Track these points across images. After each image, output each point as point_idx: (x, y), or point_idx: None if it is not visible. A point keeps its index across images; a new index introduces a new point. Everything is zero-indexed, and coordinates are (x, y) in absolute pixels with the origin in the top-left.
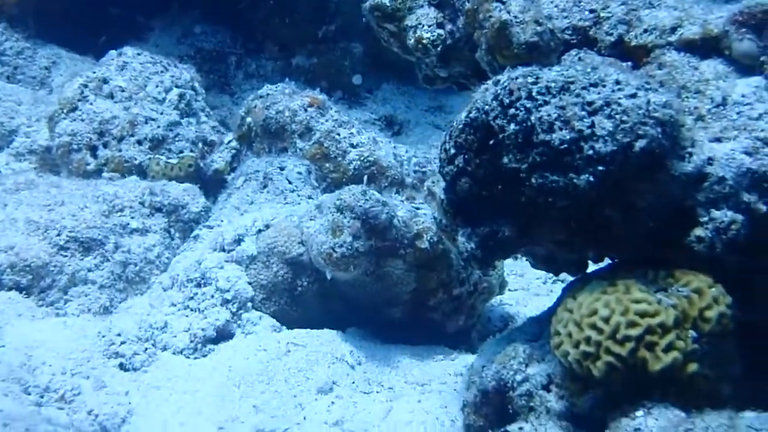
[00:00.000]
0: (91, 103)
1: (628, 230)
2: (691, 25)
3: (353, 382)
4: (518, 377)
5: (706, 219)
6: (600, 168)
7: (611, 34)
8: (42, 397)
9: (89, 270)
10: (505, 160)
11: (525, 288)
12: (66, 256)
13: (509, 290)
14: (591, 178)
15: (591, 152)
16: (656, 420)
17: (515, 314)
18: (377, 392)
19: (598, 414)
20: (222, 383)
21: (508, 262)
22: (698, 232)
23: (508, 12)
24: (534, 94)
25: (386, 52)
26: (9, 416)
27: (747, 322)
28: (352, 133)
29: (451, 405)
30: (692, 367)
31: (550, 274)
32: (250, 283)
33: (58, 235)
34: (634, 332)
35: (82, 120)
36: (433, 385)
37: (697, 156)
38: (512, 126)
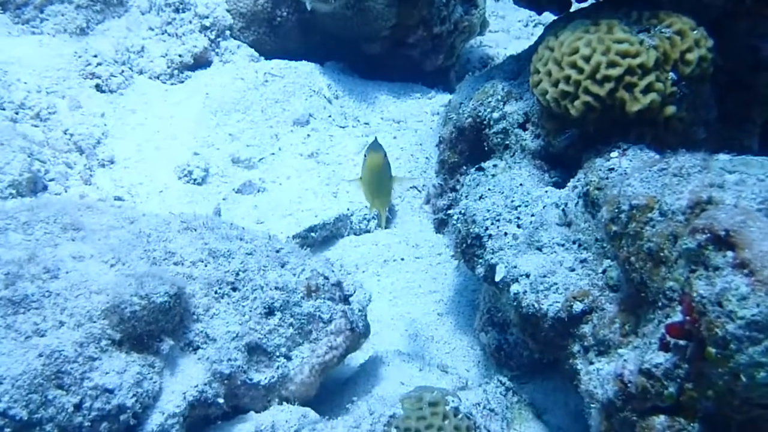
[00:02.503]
0: None
1: None
2: None
3: (329, 116)
4: (495, 115)
5: None
6: None
7: None
8: (17, 113)
9: None
10: None
11: (505, 30)
12: None
13: (490, 32)
14: None
15: None
16: (630, 161)
17: (495, 56)
18: (353, 127)
19: (572, 153)
20: (198, 110)
21: (490, 3)
22: None
23: None
24: None
25: None
26: None
27: (724, 69)
28: None
29: (427, 143)
30: (670, 109)
31: (532, 17)
32: (229, 11)
33: None
34: (614, 72)
35: None
36: (409, 123)
37: None
38: None
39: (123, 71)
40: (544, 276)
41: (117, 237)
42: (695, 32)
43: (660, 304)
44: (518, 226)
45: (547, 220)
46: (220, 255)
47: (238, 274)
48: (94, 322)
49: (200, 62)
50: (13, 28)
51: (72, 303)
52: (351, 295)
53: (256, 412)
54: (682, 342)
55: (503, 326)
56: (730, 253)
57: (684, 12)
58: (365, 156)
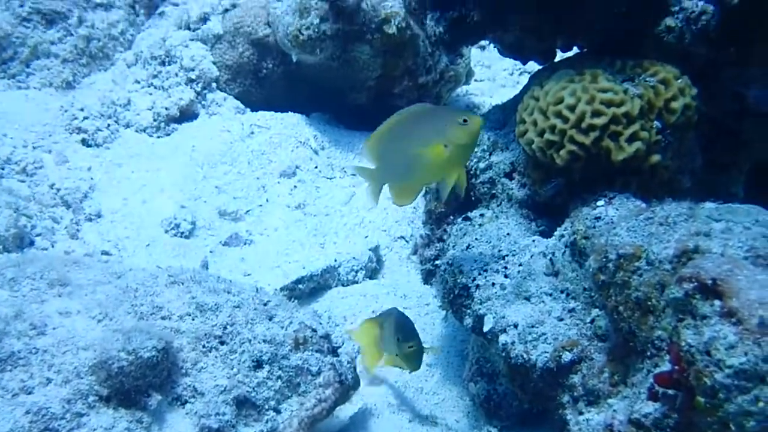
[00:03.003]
0: None
1: (599, 14)
2: None
3: (316, 167)
4: (481, 164)
5: (677, 8)
6: None
7: None
8: (3, 168)
9: (52, 43)
10: None
11: (491, 79)
12: (29, 27)
13: (475, 81)
14: None
15: None
16: (617, 210)
17: (481, 104)
18: (340, 178)
19: (559, 202)
20: (185, 163)
21: (476, 52)
22: (668, 21)
23: None
24: None
25: None
26: None
27: (708, 116)
28: None
29: None
30: (655, 158)
31: (518, 66)
32: (215, 63)
33: (21, 6)
34: (599, 121)
35: None
36: None
37: None
38: None
39: (109, 125)
40: (533, 326)
41: (104, 292)
42: (679, 81)
43: (648, 353)
44: (506, 276)
45: (535, 269)
46: (207, 308)
47: (225, 327)
48: (82, 378)
49: (186, 115)
50: None
51: (59, 359)
52: (339, 347)
53: None
54: (671, 391)
55: (492, 376)
56: (717, 302)
57: (668, 61)
58: (464, 121)
